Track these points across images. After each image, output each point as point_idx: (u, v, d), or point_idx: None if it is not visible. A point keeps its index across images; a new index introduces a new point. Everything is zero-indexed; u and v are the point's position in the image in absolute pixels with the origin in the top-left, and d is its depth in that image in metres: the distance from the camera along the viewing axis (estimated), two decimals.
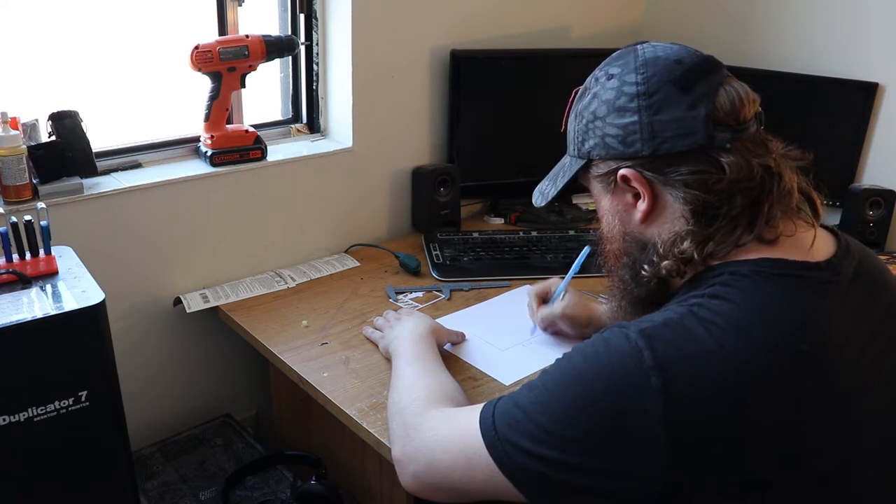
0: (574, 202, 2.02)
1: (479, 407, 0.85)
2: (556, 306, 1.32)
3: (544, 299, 1.37)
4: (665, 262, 0.82)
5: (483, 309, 1.50)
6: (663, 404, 0.70)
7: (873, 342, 0.79)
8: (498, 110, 1.88)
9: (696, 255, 0.80)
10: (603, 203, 0.91)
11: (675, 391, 0.71)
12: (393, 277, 1.63)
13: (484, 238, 1.78)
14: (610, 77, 0.85)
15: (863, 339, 0.78)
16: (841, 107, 1.78)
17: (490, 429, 0.81)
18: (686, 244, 0.80)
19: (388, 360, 1.24)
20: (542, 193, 1.01)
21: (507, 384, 1.24)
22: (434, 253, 1.71)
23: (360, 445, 1.23)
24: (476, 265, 1.66)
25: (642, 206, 0.84)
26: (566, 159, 0.96)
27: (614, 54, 0.88)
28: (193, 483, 1.41)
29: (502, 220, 1.96)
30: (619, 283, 0.92)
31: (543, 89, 1.88)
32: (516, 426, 0.78)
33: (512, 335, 1.39)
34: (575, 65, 1.92)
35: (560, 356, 0.81)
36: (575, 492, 0.74)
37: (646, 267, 0.85)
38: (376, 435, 1.12)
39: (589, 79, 0.90)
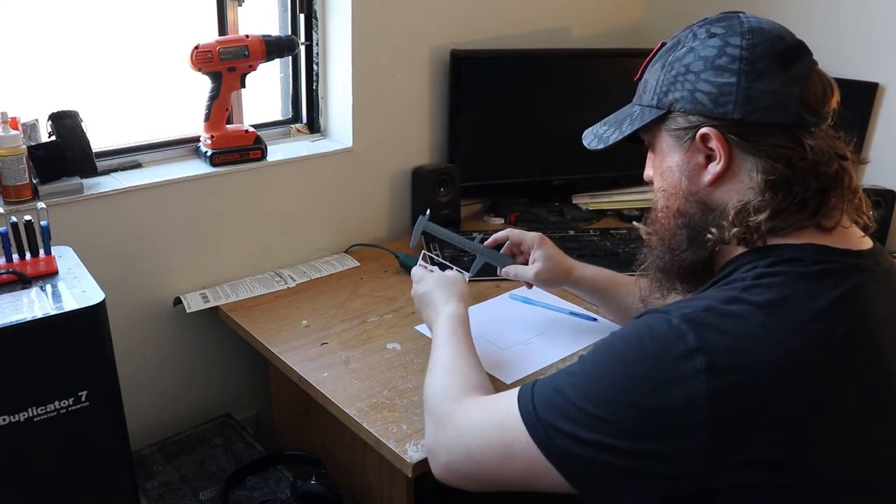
0: (574, 202, 2.02)
1: (512, 393, 0.86)
2: (529, 270, 1.32)
3: (518, 247, 1.37)
4: (735, 230, 0.81)
5: (484, 308, 1.50)
6: (707, 385, 0.71)
7: None
8: (498, 110, 1.87)
9: (763, 227, 0.80)
10: (671, 159, 0.88)
11: (718, 372, 0.71)
12: (393, 277, 1.63)
13: (484, 238, 1.78)
14: (712, 35, 0.84)
15: None
16: (841, 107, 1.78)
17: (531, 413, 0.81)
18: (762, 215, 0.80)
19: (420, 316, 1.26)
20: (600, 137, 0.98)
21: (508, 383, 1.24)
22: (434, 253, 1.70)
23: (360, 445, 1.23)
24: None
25: (715, 168, 0.83)
26: (634, 108, 0.93)
27: (713, 17, 0.87)
28: (193, 483, 1.41)
29: (502, 220, 1.96)
30: (669, 243, 0.90)
31: (543, 89, 1.88)
32: (558, 410, 0.79)
33: (513, 334, 1.39)
34: (575, 65, 1.95)
35: (598, 342, 0.83)
36: (619, 473, 0.75)
37: (713, 230, 0.84)
38: (376, 435, 1.11)
39: (683, 33, 0.88)
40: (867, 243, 0.84)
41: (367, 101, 1.68)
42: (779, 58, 0.81)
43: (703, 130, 0.83)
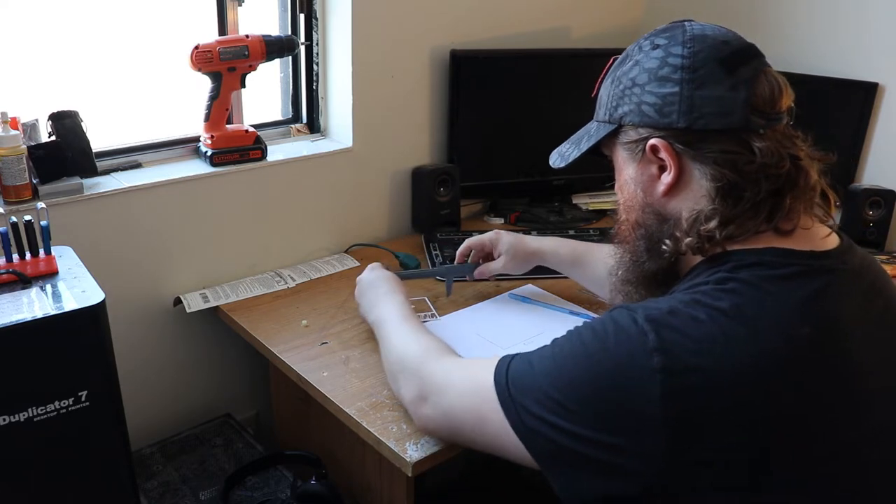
0: (574, 202, 2.02)
1: (492, 363, 0.88)
2: (497, 263, 1.43)
3: (482, 251, 1.47)
4: (688, 239, 0.82)
5: (484, 308, 1.49)
6: (662, 385, 0.72)
7: (882, 324, 0.82)
8: (498, 110, 1.88)
9: (717, 235, 0.80)
10: (626, 172, 0.90)
11: (674, 373, 0.72)
12: None
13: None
14: (655, 47, 0.85)
15: (872, 320, 0.81)
16: (841, 107, 1.78)
17: (504, 388, 0.84)
18: (712, 223, 0.80)
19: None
20: (562, 156, 1.00)
21: None
22: (434, 253, 1.71)
23: (360, 445, 1.23)
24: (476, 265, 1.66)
25: (667, 178, 0.85)
26: (592, 125, 0.96)
27: (660, 27, 0.88)
28: (193, 483, 1.41)
29: (502, 220, 1.96)
30: (631, 255, 0.92)
31: (543, 89, 1.88)
32: (528, 391, 0.82)
33: (513, 334, 1.39)
34: (575, 65, 1.95)
35: (572, 328, 0.84)
36: (579, 459, 0.77)
37: (667, 242, 0.85)
38: (376, 434, 1.11)
39: (631, 47, 0.90)
40: (832, 242, 0.83)
41: (366, 101, 1.69)
42: (722, 63, 0.82)
43: (652, 142, 0.84)
